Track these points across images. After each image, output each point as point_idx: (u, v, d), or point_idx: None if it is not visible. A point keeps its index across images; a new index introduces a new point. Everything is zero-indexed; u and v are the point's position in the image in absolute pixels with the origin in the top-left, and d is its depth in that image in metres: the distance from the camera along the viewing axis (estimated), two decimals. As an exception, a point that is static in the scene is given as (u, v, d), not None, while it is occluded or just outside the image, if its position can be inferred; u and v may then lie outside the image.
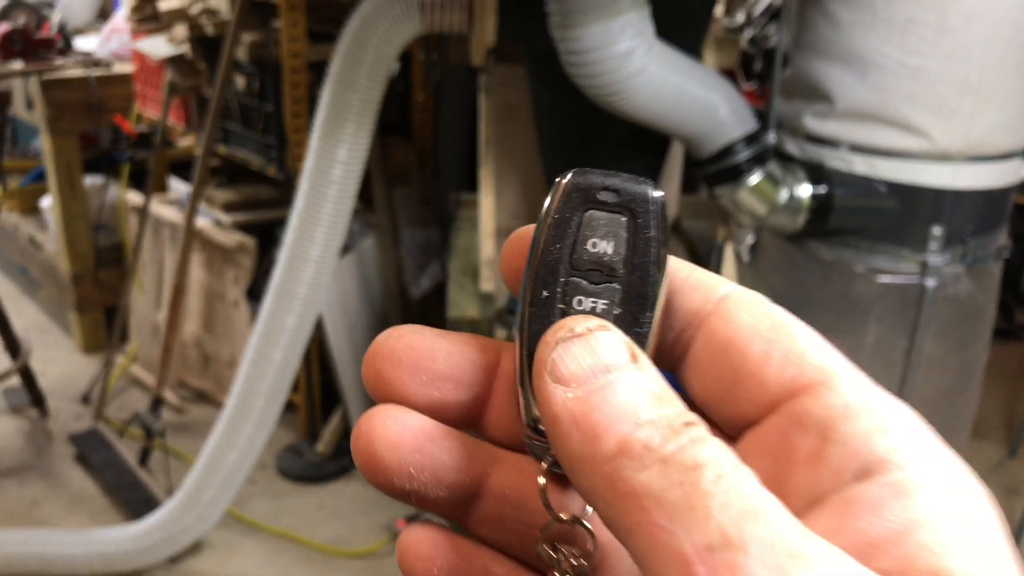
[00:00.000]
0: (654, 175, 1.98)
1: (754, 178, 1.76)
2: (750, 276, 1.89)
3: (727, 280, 0.30)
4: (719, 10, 4.97)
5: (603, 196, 0.29)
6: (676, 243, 2.28)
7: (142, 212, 3.13)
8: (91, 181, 3.60)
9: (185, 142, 3.38)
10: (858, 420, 0.25)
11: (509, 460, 0.30)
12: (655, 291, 0.28)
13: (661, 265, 0.28)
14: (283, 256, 1.92)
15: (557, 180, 0.30)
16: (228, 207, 3.09)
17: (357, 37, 1.74)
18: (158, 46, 2.95)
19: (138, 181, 3.47)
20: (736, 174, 1.75)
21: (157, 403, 2.84)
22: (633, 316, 0.28)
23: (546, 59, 1.65)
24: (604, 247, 0.28)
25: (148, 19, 3.20)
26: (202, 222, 3.10)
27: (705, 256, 2.02)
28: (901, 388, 1.97)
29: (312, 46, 2.66)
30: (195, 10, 2.85)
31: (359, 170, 1.85)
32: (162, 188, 3.50)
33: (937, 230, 1.85)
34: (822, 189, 1.84)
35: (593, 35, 1.48)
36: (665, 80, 1.59)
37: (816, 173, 1.86)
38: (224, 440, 2.06)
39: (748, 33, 4.79)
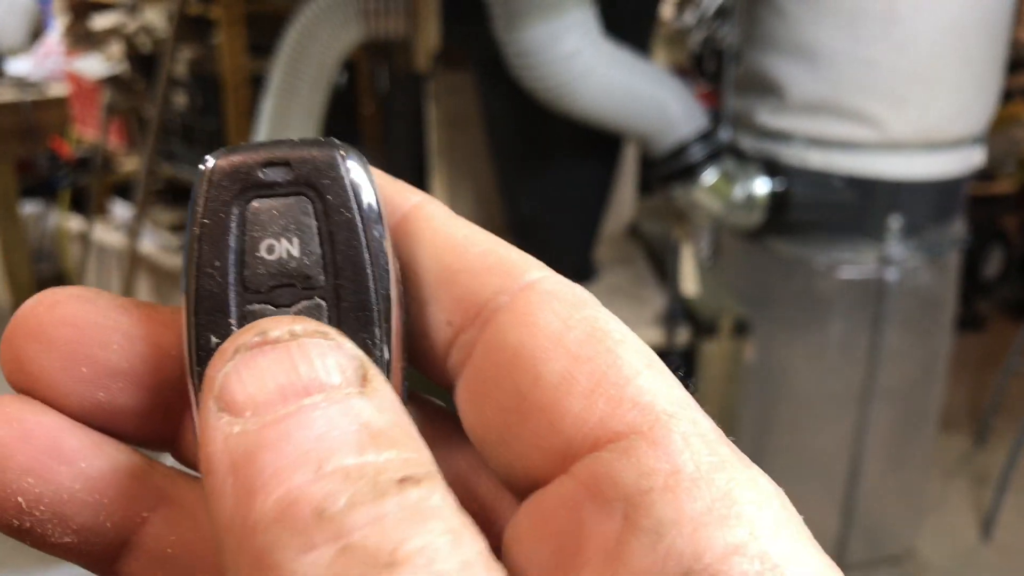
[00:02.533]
0: (609, 178, 1.94)
1: (709, 176, 1.72)
2: (710, 276, 1.86)
3: (540, 264, 0.21)
4: (671, 12, 4.99)
5: (268, 175, 0.20)
6: (635, 245, 2.24)
7: (85, 238, 3.03)
8: (30, 209, 3.49)
9: (127, 164, 3.28)
10: (688, 497, 0.16)
11: (186, 501, 0.21)
12: (383, 293, 0.20)
13: (379, 253, 0.20)
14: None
15: (200, 167, 0.20)
16: (176, 229, 3.00)
17: (297, 46, 1.68)
18: (94, 66, 2.86)
19: (80, 206, 3.36)
20: (691, 173, 1.72)
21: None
22: (356, 338, 0.19)
23: (493, 64, 1.61)
24: (285, 249, 0.20)
25: (82, 39, 3.11)
26: (149, 246, 3.00)
27: (663, 258, 1.98)
28: (867, 382, 1.95)
29: (254, 60, 2.59)
30: (130, 28, 2.77)
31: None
32: (105, 212, 3.40)
33: (895, 221, 1.84)
34: (778, 184, 1.82)
35: (538, 36, 1.43)
36: (613, 79, 1.55)
37: (771, 168, 1.83)
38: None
39: (700, 34, 4.82)
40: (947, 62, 1.73)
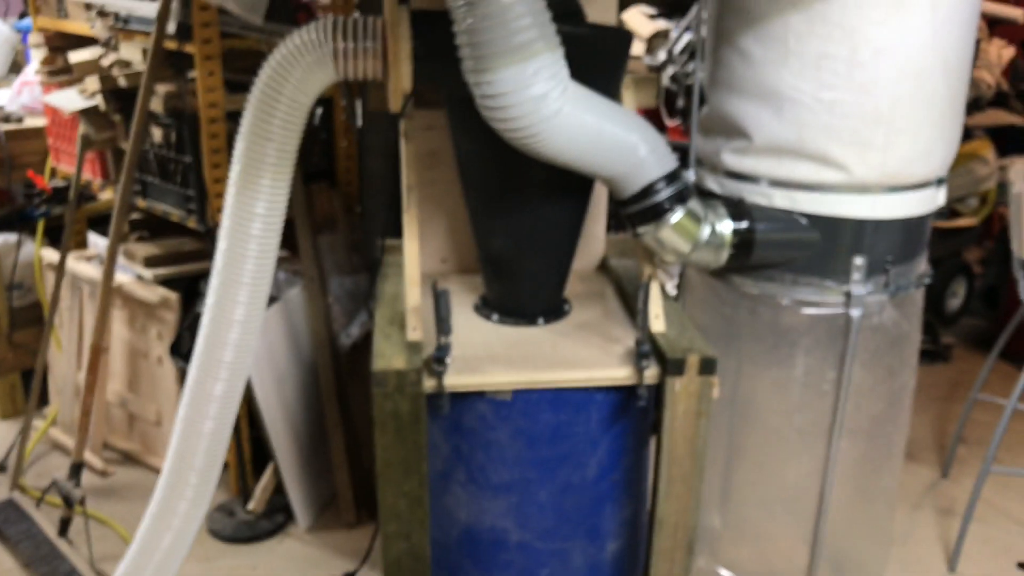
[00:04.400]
0: (580, 216, 1.97)
1: (676, 216, 1.75)
2: (678, 313, 1.89)
3: None
4: (641, 49, 5.05)
5: None
6: (604, 282, 2.27)
7: (59, 269, 3.02)
8: (4, 239, 3.47)
9: (103, 196, 3.28)
10: None
11: None
12: None
13: None
14: (206, 319, 1.84)
15: None
16: (149, 262, 2.99)
17: (269, 87, 1.70)
18: (70, 99, 2.86)
19: (55, 238, 3.35)
20: (658, 213, 1.75)
21: (77, 468, 2.72)
22: None
23: (464, 103, 1.63)
24: None
25: (59, 72, 3.12)
26: (123, 278, 3.00)
27: (632, 295, 2.01)
28: (833, 417, 1.97)
29: (230, 96, 2.61)
30: (107, 62, 2.78)
31: (279, 223, 1.80)
32: (80, 244, 3.39)
33: (859, 260, 1.87)
34: (744, 224, 1.85)
35: (506, 79, 1.46)
36: (582, 122, 1.57)
37: (737, 209, 1.87)
38: (158, 521, 1.95)
39: (670, 71, 4.88)
40: (909, 105, 1.77)
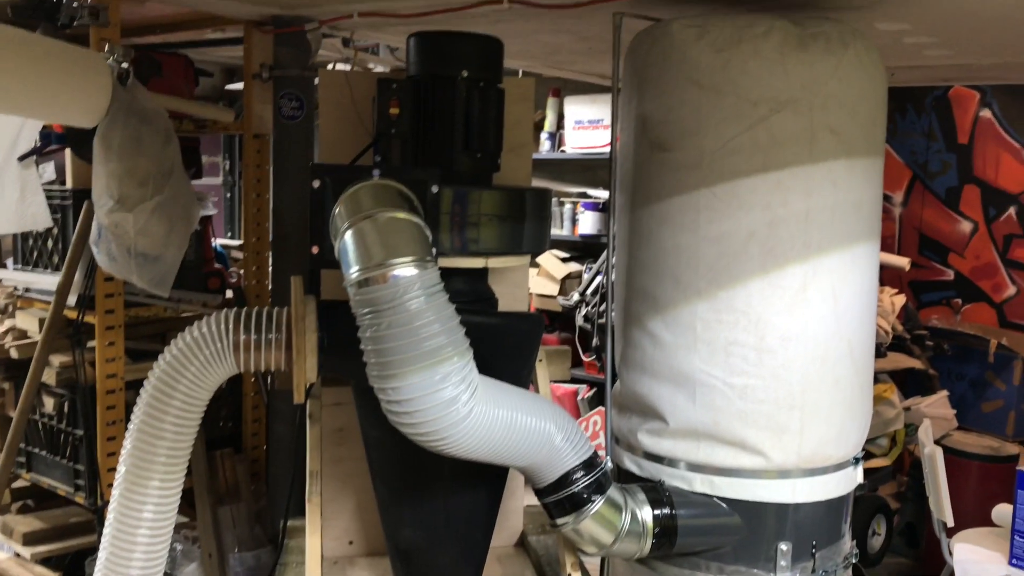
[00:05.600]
0: (494, 502, 1.87)
1: (595, 506, 1.68)
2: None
3: None
4: (555, 289, 5.17)
5: None
6: (524, 563, 2.14)
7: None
8: None
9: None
10: None
11: None
12: None
13: None
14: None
15: None
16: (29, 539, 2.74)
17: (162, 382, 1.61)
18: (-44, 367, 2.71)
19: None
20: (577, 503, 1.67)
21: None
22: None
23: (371, 393, 1.57)
24: None
25: (-52, 337, 2.97)
26: (1, 555, 2.74)
27: (554, 584, 1.89)
28: None
29: (131, 365, 2.51)
30: (1, 329, 2.67)
31: (169, 525, 1.66)
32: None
33: (784, 546, 1.81)
34: (665, 510, 1.78)
35: (414, 386, 1.41)
36: (494, 418, 1.52)
37: (657, 494, 1.80)
38: None
39: (583, 311, 4.99)
40: (819, 390, 1.78)
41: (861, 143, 1.78)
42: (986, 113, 4.35)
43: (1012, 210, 4.31)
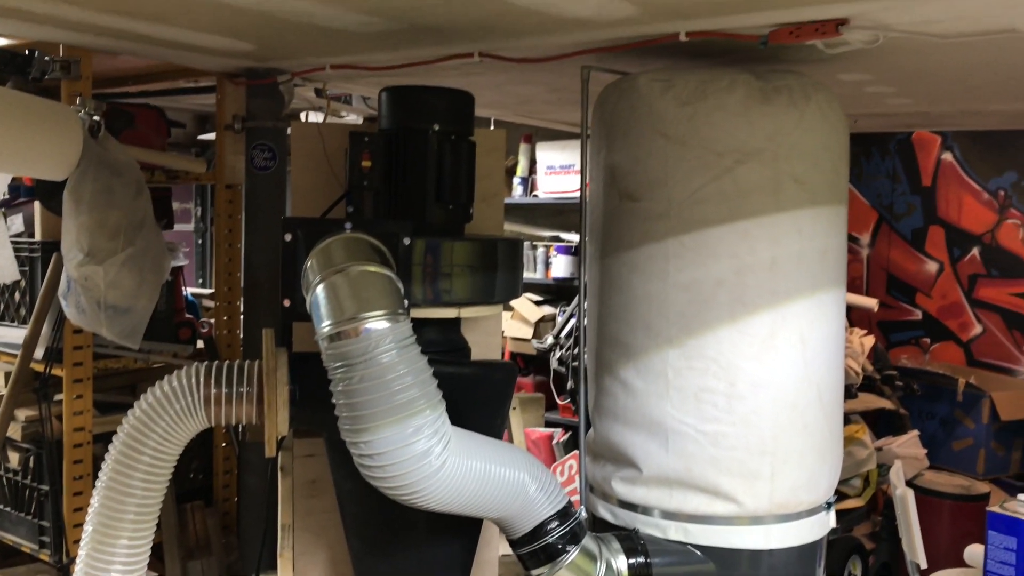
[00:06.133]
0: (468, 553, 1.86)
1: (570, 556, 1.67)
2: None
3: None
4: (530, 331, 5.18)
5: None
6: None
7: None
8: None
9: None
10: None
11: None
12: None
13: None
14: None
15: None
16: (-8, 598, 2.68)
17: (132, 438, 1.59)
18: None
19: None
20: (551, 555, 1.66)
21: None
22: None
23: (343, 445, 1.56)
24: None
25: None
26: (-40, 615, 2.66)
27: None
28: None
29: (99, 418, 2.48)
30: (-35, 383, 2.63)
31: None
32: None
33: (759, 593, 1.81)
34: (640, 559, 1.78)
35: (386, 440, 1.41)
36: (468, 470, 1.52)
37: (631, 542, 1.80)
38: None
39: (557, 353, 4.99)
40: (789, 435, 1.80)
41: (825, 191, 1.82)
42: (948, 156, 4.44)
43: (976, 250, 4.39)
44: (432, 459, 1.44)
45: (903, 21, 1.62)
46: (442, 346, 1.80)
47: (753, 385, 1.77)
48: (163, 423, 1.59)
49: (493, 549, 2.24)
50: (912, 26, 1.64)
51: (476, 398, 1.76)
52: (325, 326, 1.44)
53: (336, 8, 1.70)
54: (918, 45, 1.84)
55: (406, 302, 1.54)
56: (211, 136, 3.37)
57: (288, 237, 1.63)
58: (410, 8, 1.67)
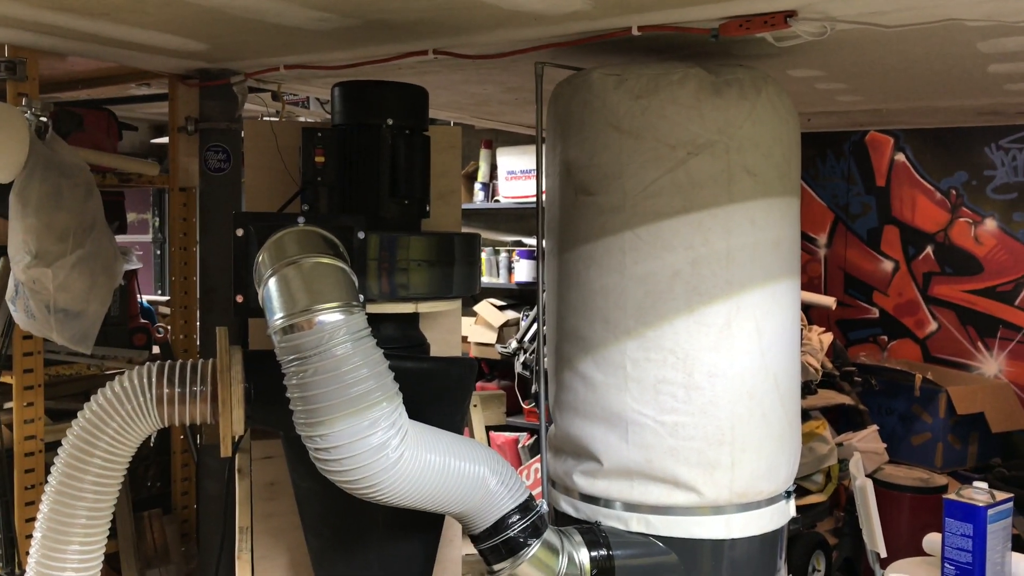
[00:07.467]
0: (430, 551, 1.85)
1: (532, 550, 1.66)
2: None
3: None
4: (494, 336, 5.17)
5: None
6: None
7: None
8: None
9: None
10: None
11: None
12: None
13: None
14: None
15: None
16: (-57, 614, 2.61)
17: (81, 440, 1.56)
18: None
19: None
20: (513, 548, 1.66)
21: None
22: None
23: (300, 443, 1.54)
24: None
25: None
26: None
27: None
28: None
29: (51, 425, 2.42)
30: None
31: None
32: None
33: (721, 582, 1.82)
34: (602, 552, 1.78)
35: (341, 433, 1.39)
36: (426, 463, 1.51)
37: (593, 535, 1.80)
38: None
39: (521, 357, 4.99)
40: (747, 425, 1.81)
41: (777, 183, 1.84)
42: (900, 157, 4.52)
43: (930, 249, 4.47)
44: (389, 452, 1.43)
45: (849, 13, 1.65)
46: (400, 342, 1.79)
47: (711, 375, 1.78)
48: (114, 424, 1.56)
49: (456, 548, 2.23)
50: (858, 17, 1.66)
51: (435, 393, 1.75)
52: (277, 319, 1.43)
53: (287, 3, 1.68)
54: (864, 39, 1.87)
55: (361, 296, 1.53)
56: (166, 140, 3.33)
57: (240, 232, 1.61)
58: (363, 2, 1.66)
